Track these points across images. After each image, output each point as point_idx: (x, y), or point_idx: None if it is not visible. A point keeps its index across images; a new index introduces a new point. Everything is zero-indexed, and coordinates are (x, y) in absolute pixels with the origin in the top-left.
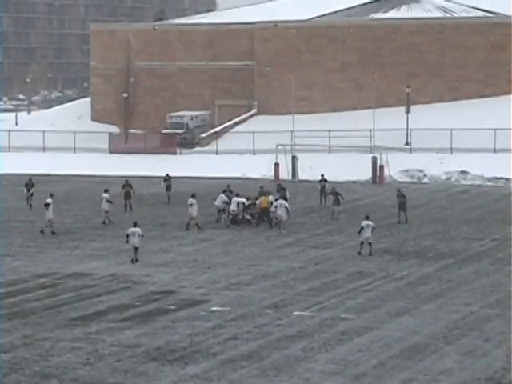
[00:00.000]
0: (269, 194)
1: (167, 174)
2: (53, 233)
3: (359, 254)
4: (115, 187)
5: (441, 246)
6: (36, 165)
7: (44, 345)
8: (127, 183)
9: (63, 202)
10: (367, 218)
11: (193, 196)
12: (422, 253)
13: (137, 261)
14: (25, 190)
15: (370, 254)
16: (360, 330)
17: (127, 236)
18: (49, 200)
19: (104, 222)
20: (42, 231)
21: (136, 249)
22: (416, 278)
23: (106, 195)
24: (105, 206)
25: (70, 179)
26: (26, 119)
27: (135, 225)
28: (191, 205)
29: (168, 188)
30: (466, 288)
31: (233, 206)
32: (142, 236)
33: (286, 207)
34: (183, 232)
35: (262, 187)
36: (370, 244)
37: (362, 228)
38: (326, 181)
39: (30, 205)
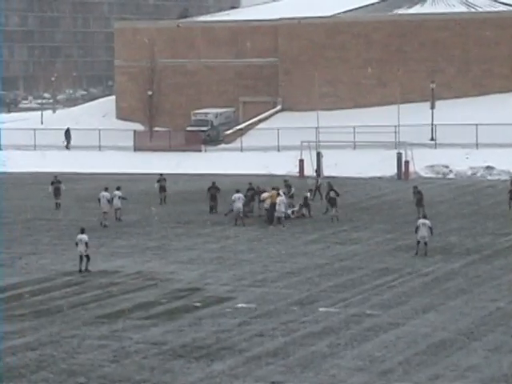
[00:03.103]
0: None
1: (161, 174)
2: (104, 226)
3: (416, 254)
4: (141, 184)
5: (467, 242)
6: (61, 163)
7: (71, 342)
8: (162, 177)
9: (88, 200)
10: (424, 217)
11: (237, 191)
12: (447, 248)
13: (86, 270)
14: (50, 188)
15: (426, 254)
16: (386, 327)
17: (76, 244)
18: (102, 194)
19: (118, 219)
20: (103, 224)
21: (86, 257)
22: (442, 274)
23: (118, 192)
24: (117, 202)
25: (95, 177)
26: (51, 118)
27: (82, 231)
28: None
29: (162, 189)
30: (492, 284)
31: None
32: (86, 244)
33: (284, 203)
34: (208, 229)
35: (286, 180)
36: (425, 244)
37: (417, 227)
38: (318, 175)
39: (58, 203)
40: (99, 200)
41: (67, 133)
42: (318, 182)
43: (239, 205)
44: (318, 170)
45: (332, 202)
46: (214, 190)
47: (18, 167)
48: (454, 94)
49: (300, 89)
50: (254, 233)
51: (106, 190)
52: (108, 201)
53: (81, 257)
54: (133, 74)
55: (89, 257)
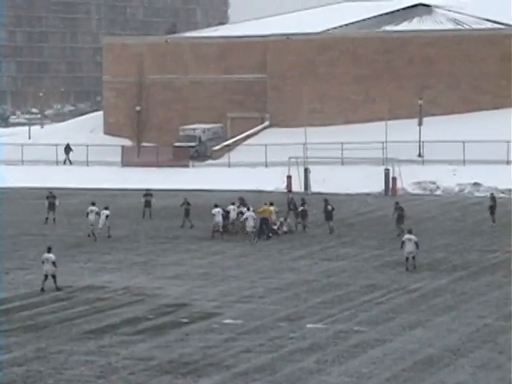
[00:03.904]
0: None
1: (147, 190)
2: (94, 237)
3: (407, 269)
4: (128, 200)
5: (454, 258)
6: (49, 178)
7: (58, 358)
8: (148, 192)
9: (76, 216)
10: (409, 232)
11: (215, 206)
12: (435, 265)
13: (58, 289)
14: (46, 203)
15: (415, 268)
16: (373, 343)
17: (42, 263)
18: (90, 208)
19: (89, 235)
20: (95, 238)
21: (52, 276)
22: (429, 291)
23: (94, 208)
24: (92, 218)
25: (82, 192)
26: (39, 133)
27: (49, 250)
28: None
29: (147, 204)
30: (479, 300)
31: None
32: (54, 264)
33: (254, 218)
34: (196, 245)
35: (242, 198)
36: (413, 258)
37: (403, 242)
38: (290, 191)
39: (54, 219)
40: (87, 214)
41: (67, 148)
42: (289, 197)
43: (218, 219)
44: (290, 186)
45: (328, 216)
46: (186, 205)
47: (6, 182)
48: (442, 111)
49: (288, 105)
50: (241, 248)
51: (93, 204)
52: (97, 213)
53: (46, 276)
54: (121, 89)
55: (55, 276)
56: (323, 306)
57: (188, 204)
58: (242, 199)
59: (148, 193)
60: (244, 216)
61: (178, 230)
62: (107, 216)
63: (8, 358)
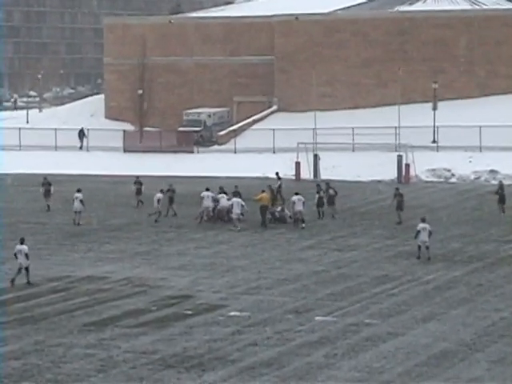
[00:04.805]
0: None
1: (137, 177)
2: (78, 224)
3: (418, 258)
4: (130, 186)
5: (469, 249)
6: (47, 164)
7: (56, 351)
8: (138, 180)
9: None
10: (423, 220)
11: (206, 189)
12: (449, 256)
13: (28, 283)
14: (41, 190)
15: (429, 259)
16: (385, 336)
17: (15, 254)
18: (76, 195)
19: (75, 223)
20: (76, 223)
21: (25, 269)
22: (443, 282)
23: (79, 195)
24: (77, 205)
25: (82, 179)
26: (37, 117)
27: (22, 242)
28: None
29: (138, 192)
30: (495, 293)
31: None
32: (27, 256)
33: (242, 205)
34: (200, 234)
35: (236, 186)
36: (427, 248)
37: (418, 231)
38: (279, 178)
39: (48, 205)
40: (73, 201)
41: (81, 133)
42: (280, 185)
43: (208, 203)
44: (279, 173)
45: (330, 200)
46: (171, 192)
47: (3, 168)
48: (457, 95)
49: (297, 88)
50: (247, 238)
51: (79, 191)
52: (81, 201)
53: (20, 269)
54: (123, 71)
55: (28, 269)
56: (333, 297)
57: (173, 191)
58: (222, 188)
59: (138, 180)
60: (230, 202)
61: (183, 218)
62: (159, 200)
63: (4, 351)
